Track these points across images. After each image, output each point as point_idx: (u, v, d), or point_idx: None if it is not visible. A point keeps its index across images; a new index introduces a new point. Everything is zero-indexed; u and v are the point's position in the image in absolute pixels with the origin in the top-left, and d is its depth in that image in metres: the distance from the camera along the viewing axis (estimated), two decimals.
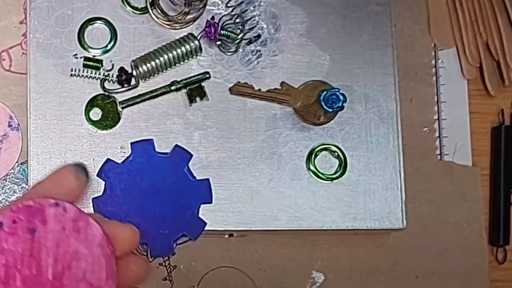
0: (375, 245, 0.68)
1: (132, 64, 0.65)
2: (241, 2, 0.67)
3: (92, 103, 0.64)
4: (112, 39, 0.65)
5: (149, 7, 0.66)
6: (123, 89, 0.65)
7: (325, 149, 0.66)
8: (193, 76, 0.66)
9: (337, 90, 0.64)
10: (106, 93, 0.65)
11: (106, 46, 0.65)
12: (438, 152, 0.70)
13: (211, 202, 0.64)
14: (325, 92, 0.64)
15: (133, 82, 0.65)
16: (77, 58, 0.65)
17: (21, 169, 0.66)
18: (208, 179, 0.65)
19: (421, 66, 0.71)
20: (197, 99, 0.65)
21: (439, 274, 0.69)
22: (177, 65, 0.66)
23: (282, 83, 0.66)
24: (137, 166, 0.64)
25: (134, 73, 0.65)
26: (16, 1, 0.68)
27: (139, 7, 0.66)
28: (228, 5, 0.67)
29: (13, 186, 0.65)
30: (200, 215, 0.64)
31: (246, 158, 0.65)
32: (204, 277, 0.67)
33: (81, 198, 0.39)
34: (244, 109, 0.66)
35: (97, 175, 0.64)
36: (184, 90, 0.65)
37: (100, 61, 0.65)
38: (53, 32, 0.65)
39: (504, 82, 0.71)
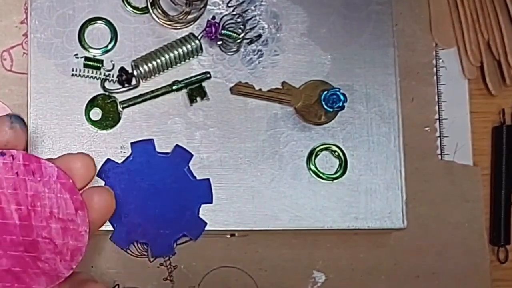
0: (376, 245, 0.68)
1: (133, 64, 0.65)
2: (242, 2, 0.67)
3: (92, 103, 0.64)
4: (113, 39, 0.65)
5: (149, 7, 0.66)
6: (124, 89, 0.65)
7: (326, 149, 0.66)
8: (194, 76, 0.66)
9: (337, 90, 0.64)
10: (107, 93, 0.65)
11: (107, 46, 0.65)
12: (438, 151, 0.70)
13: (211, 202, 0.64)
14: (326, 92, 0.64)
15: (133, 82, 0.65)
16: (77, 58, 0.65)
17: None
18: (208, 179, 0.65)
19: (422, 66, 0.71)
20: (198, 99, 0.65)
21: (440, 274, 0.69)
22: (178, 65, 0.66)
23: (283, 83, 0.66)
24: (137, 166, 0.64)
25: (135, 73, 0.65)
26: (17, 1, 0.68)
27: (140, 7, 0.66)
28: (229, 4, 0.67)
29: None
30: (200, 215, 0.64)
31: (247, 158, 0.65)
32: (205, 277, 0.67)
33: (22, 147, 0.38)
34: (245, 109, 0.66)
35: (97, 175, 0.64)
36: (184, 90, 0.65)
37: (101, 61, 0.65)
38: (54, 32, 0.65)
39: (505, 81, 0.71)
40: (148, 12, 0.66)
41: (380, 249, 0.69)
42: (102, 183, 0.63)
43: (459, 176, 0.70)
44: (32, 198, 0.37)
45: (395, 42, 0.68)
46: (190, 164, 0.64)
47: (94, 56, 0.65)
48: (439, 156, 0.70)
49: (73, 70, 0.64)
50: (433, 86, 0.71)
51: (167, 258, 0.66)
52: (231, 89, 0.66)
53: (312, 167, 0.65)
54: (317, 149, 0.66)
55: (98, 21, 0.66)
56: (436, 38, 0.72)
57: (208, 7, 0.66)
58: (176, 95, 0.66)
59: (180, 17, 0.65)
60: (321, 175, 0.65)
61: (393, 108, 0.67)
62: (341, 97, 0.64)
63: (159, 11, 0.66)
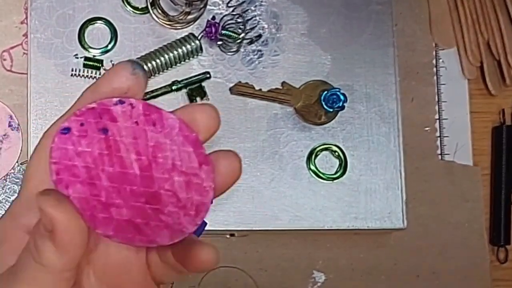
0: (376, 245, 0.68)
1: None
2: (242, 2, 0.67)
3: None
4: (113, 39, 0.65)
5: (149, 7, 0.66)
6: None
7: (326, 149, 0.66)
8: (194, 76, 0.66)
9: (337, 90, 0.64)
10: None
11: (107, 46, 0.65)
12: (438, 151, 0.70)
13: (211, 202, 0.64)
14: (326, 92, 0.64)
15: None
16: (77, 58, 0.65)
17: (21, 169, 0.66)
18: None
19: (422, 66, 0.71)
20: (198, 99, 0.65)
21: (440, 274, 0.69)
22: (178, 65, 0.66)
23: (283, 83, 0.66)
24: None
25: None
26: (17, 1, 0.68)
27: (140, 7, 0.66)
28: (229, 5, 0.67)
29: (13, 186, 0.65)
30: None
31: (247, 158, 0.65)
32: (205, 277, 0.67)
33: (141, 97, 0.35)
34: (245, 109, 0.66)
35: None
36: (184, 90, 0.65)
37: (101, 61, 0.65)
38: (54, 32, 0.65)
39: (505, 81, 0.71)
40: (148, 12, 0.66)
41: (380, 249, 0.68)
42: None
43: (459, 176, 0.70)
44: (153, 149, 0.34)
45: (395, 42, 0.68)
46: None
47: (94, 56, 0.65)
48: (439, 156, 0.70)
49: (72, 70, 0.64)
50: (433, 86, 0.71)
51: None
52: (231, 89, 0.66)
53: (312, 167, 0.65)
54: (317, 149, 0.66)
55: (98, 21, 0.66)
56: (436, 38, 0.72)
57: (208, 7, 0.66)
58: (176, 95, 0.66)
59: (180, 17, 0.65)
60: (321, 175, 0.65)
61: (393, 108, 0.67)
62: (341, 97, 0.64)
63: (159, 11, 0.66)
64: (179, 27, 0.66)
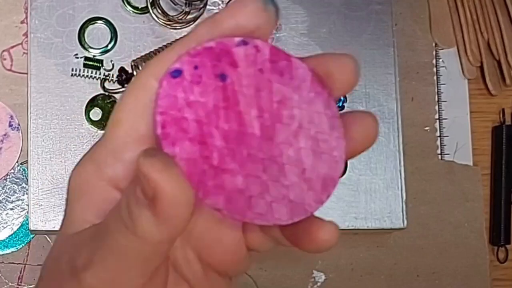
0: (376, 245, 0.68)
1: (133, 64, 0.65)
2: None
3: (92, 103, 0.64)
4: (113, 39, 0.65)
5: (149, 7, 0.66)
6: (124, 89, 0.65)
7: None
8: None
9: None
10: (107, 93, 0.65)
11: (107, 46, 0.65)
12: (438, 151, 0.70)
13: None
14: None
15: None
16: (77, 58, 0.65)
17: (21, 169, 0.66)
18: None
19: (422, 66, 0.71)
20: None
21: (440, 274, 0.69)
22: None
23: None
24: None
25: (135, 73, 0.65)
26: (17, 0, 0.67)
27: (140, 7, 0.66)
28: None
29: (13, 186, 0.65)
30: None
31: None
32: None
33: (267, 39, 0.29)
34: None
35: None
36: None
37: (101, 61, 0.65)
38: (54, 32, 0.65)
39: (505, 81, 0.71)
40: (148, 12, 0.66)
41: (380, 249, 0.68)
42: None
43: (459, 176, 0.70)
44: (278, 105, 0.28)
45: (395, 42, 0.68)
46: None
47: (94, 56, 0.65)
48: (439, 156, 0.70)
49: (73, 70, 0.64)
50: (433, 86, 0.71)
51: None
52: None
53: None
54: None
55: (98, 21, 0.66)
56: (436, 38, 0.72)
57: (207, 7, 0.66)
58: None
59: (180, 17, 0.66)
60: None
61: (393, 107, 0.67)
62: (341, 97, 0.64)
63: (159, 11, 0.66)
64: (179, 27, 0.66)
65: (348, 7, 0.68)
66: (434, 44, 0.72)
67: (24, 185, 0.65)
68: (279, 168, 0.28)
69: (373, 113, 0.30)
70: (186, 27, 0.66)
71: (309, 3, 0.68)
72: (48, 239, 0.65)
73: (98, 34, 0.66)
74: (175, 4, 0.65)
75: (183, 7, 0.65)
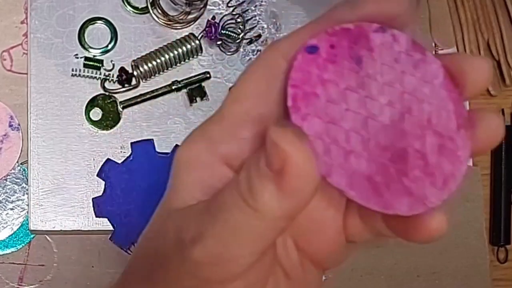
0: (376, 245, 0.68)
1: (133, 64, 0.65)
2: (242, 2, 0.67)
3: (92, 103, 0.65)
4: (113, 39, 0.65)
5: (149, 7, 0.66)
6: (124, 89, 0.65)
7: None
8: (194, 76, 0.66)
9: None
10: (107, 93, 0.65)
11: (107, 46, 0.65)
12: None
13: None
14: None
15: (133, 82, 0.65)
16: (77, 58, 0.65)
17: (21, 169, 0.66)
18: None
19: None
20: (198, 99, 0.65)
21: (440, 274, 0.69)
22: (178, 65, 0.66)
23: None
24: (137, 166, 0.64)
25: (135, 73, 0.65)
26: (17, 1, 0.67)
27: (140, 7, 0.66)
28: (229, 5, 0.67)
29: (13, 186, 0.65)
30: None
31: None
32: None
33: (403, 30, 0.29)
34: None
35: (97, 175, 0.64)
36: (184, 90, 0.65)
37: (101, 61, 0.65)
38: (54, 32, 0.65)
39: (505, 81, 0.71)
40: (148, 12, 0.66)
41: (380, 249, 0.68)
42: (102, 183, 0.63)
43: None
44: (409, 97, 0.28)
45: None
46: None
47: (94, 56, 0.65)
48: None
49: (73, 70, 0.64)
50: None
51: None
52: (230, 89, 0.66)
53: None
54: None
55: (98, 21, 0.66)
56: (436, 38, 0.72)
57: (208, 7, 0.66)
58: (176, 95, 0.66)
59: (180, 17, 0.66)
60: None
61: None
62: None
63: (159, 11, 0.66)
64: (179, 27, 0.66)
65: None
66: (434, 44, 0.72)
67: (24, 185, 0.65)
68: (404, 159, 0.28)
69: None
70: (186, 27, 0.66)
71: (309, 3, 0.68)
72: (48, 239, 0.65)
73: (98, 34, 0.66)
74: (175, 4, 0.65)
75: (183, 7, 0.65)
